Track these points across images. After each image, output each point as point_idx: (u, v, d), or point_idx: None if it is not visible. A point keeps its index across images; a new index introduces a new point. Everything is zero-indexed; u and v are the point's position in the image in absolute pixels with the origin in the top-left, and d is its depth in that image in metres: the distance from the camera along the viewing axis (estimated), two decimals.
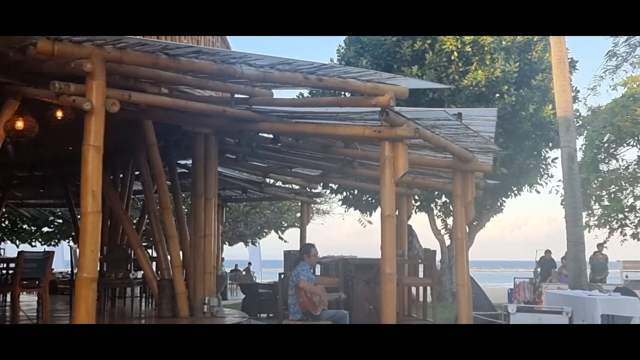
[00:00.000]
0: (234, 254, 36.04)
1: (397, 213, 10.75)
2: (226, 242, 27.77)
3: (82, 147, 5.82)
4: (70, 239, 23.16)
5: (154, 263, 11.11)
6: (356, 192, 18.73)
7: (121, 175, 13.40)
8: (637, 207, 24.39)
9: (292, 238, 27.12)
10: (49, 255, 9.16)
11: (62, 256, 24.88)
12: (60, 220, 24.81)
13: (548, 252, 19.23)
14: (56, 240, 26.04)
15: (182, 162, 12.80)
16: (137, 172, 12.84)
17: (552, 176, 18.85)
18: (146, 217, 12.88)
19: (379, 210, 7.32)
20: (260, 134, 10.70)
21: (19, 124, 8.66)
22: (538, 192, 19.03)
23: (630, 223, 24.60)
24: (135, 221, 14.85)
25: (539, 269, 18.55)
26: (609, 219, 24.38)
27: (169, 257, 10.30)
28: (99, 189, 5.77)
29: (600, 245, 19.44)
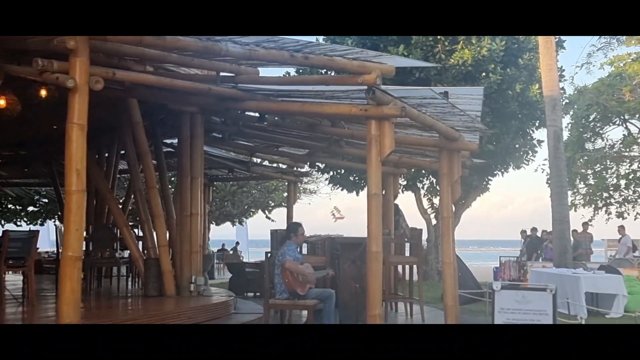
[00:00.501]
0: (221, 233, 36.05)
1: (383, 192, 10.78)
2: (213, 222, 27.74)
3: (66, 126, 5.77)
4: (56, 218, 23.04)
5: (140, 242, 11.08)
6: (343, 171, 18.70)
7: (106, 155, 13.31)
8: (622, 186, 24.58)
9: (279, 217, 27.14)
10: (34, 235, 9.11)
11: (47, 236, 24.78)
12: (46, 200, 24.67)
13: (534, 229, 19.36)
14: (42, 220, 25.90)
15: (168, 141, 12.73)
16: (122, 152, 12.78)
17: (536, 152, 18.88)
18: (132, 196, 12.84)
19: (365, 189, 7.34)
20: (246, 113, 10.65)
21: (1, 102, 8.56)
22: (526, 165, 19.06)
23: (615, 202, 24.79)
24: (121, 201, 14.79)
25: (524, 247, 18.70)
26: (594, 198, 24.56)
27: (155, 236, 10.28)
28: (83, 167, 5.73)
29: (585, 224, 19.58)
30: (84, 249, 10.50)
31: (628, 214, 24.77)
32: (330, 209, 26.45)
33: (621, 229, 18.81)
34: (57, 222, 20.08)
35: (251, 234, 35.13)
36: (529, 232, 19.47)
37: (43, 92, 8.36)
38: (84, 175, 5.75)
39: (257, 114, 10.02)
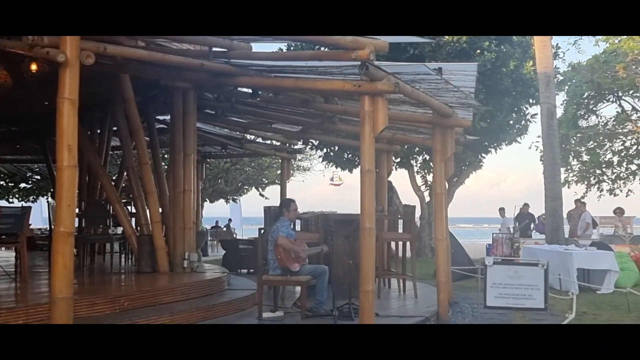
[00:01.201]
0: (215, 211, 36.04)
1: (377, 170, 10.78)
2: (206, 199, 27.74)
3: (56, 101, 5.72)
4: (49, 195, 22.99)
5: (133, 219, 11.06)
6: (337, 148, 18.69)
7: (99, 131, 13.26)
8: (615, 163, 24.65)
9: (272, 195, 27.18)
10: (27, 211, 9.08)
11: (40, 213, 24.75)
12: (38, 177, 24.62)
13: (526, 205, 19.41)
14: (34, 197, 25.87)
15: (161, 117, 12.68)
16: (114, 128, 12.71)
17: (529, 130, 18.89)
18: (125, 173, 12.79)
19: (359, 166, 7.32)
20: (239, 89, 10.60)
21: None
22: (519, 142, 19.07)
23: (608, 179, 24.87)
24: (114, 178, 14.75)
25: (517, 224, 18.76)
26: (587, 175, 24.63)
27: (148, 212, 10.27)
28: (74, 142, 5.70)
29: (578, 201, 19.63)
30: (76, 225, 10.54)
31: (620, 190, 24.90)
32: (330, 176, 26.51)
33: (581, 205, 18.98)
34: (50, 199, 20.04)
35: (245, 212, 35.19)
36: (519, 210, 19.51)
37: (33, 67, 8.27)
38: (76, 150, 5.72)
39: (250, 90, 9.97)
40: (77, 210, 10.99)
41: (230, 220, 31.03)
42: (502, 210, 20.82)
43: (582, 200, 20.98)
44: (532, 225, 18.82)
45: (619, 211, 18.89)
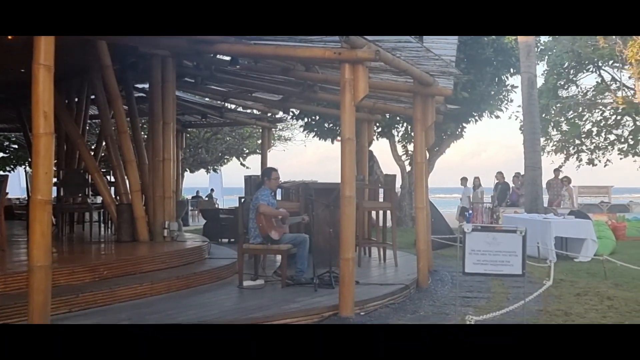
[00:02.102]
0: (195, 181, 35.96)
1: (358, 139, 10.76)
2: (187, 169, 27.61)
3: (32, 67, 5.62)
4: (27, 164, 22.78)
5: (113, 188, 10.99)
6: (317, 118, 18.64)
7: (76, 100, 13.09)
8: (594, 133, 24.83)
9: (253, 165, 27.10)
10: (3, 179, 8.96)
11: (19, 182, 24.54)
12: (16, 146, 24.36)
13: (500, 174, 19.55)
14: (12, 166, 25.62)
15: (140, 86, 12.53)
16: (92, 96, 12.56)
17: (511, 101, 18.94)
18: (103, 142, 12.67)
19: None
20: (218, 57, 10.49)
21: None
22: (498, 117, 19.13)
23: (587, 149, 25.08)
24: (93, 147, 14.62)
25: (495, 193, 18.95)
26: (566, 145, 24.81)
27: (127, 181, 10.19)
28: (50, 109, 5.60)
29: (557, 171, 19.80)
30: (54, 194, 10.44)
31: (599, 161, 25.14)
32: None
33: (499, 175, 19.29)
34: (28, 168, 19.87)
35: (225, 182, 35.06)
36: (497, 180, 19.68)
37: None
38: (52, 117, 5.63)
39: (229, 58, 9.87)
40: (55, 179, 10.97)
41: (212, 190, 30.95)
42: (464, 179, 20.85)
43: (561, 169, 21.17)
44: (508, 194, 19.01)
45: (565, 180, 19.10)
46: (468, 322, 5.00)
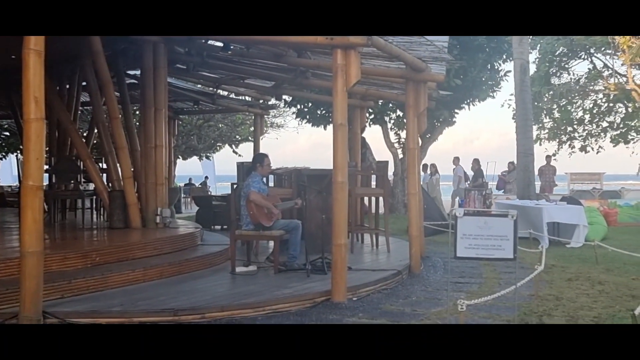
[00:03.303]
0: (188, 169, 35.87)
1: (350, 126, 10.76)
2: (179, 157, 27.55)
3: (22, 52, 5.59)
4: (18, 151, 22.69)
5: (105, 175, 10.96)
6: (310, 104, 18.61)
7: (67, 86, 13.03)
8: (586, 120, 24.88)
9: (246, 152, 27.05)
10: None
11: (10, 170, 24.46)
12: (7, 133, 24.23)
13: (475, 161, 19.76)
14: (4, 154, 25.51)
15: (131, 72, 12.48)
16: (84, 83, 12.50)
17: (502, 86, 18.93)
18: (95, 128, 12.62)
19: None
20: (210, 43, 10.44)
21: None
22: (492, 98, 19.12)
23: (579, 136, 25.14)
24: (85, 134, 14.56)
25: (470, 181, 19.31)
26: (559, 132, 24.86)
27: (119, 168, 10.17)
28: (41, 94, 5.58)
29: (549, 157, 19.88)
30: (46, 181, 10.40)
31: (592, 148, 25.20)
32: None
33: (456, 159, 19.51)
34: (20, 155, 19.78)
35: (218, 170, 35.01)
36: (475, 165, 19.91)
37: None
38: (43, 102, 5.60)
39: (221, 44, 9.83)
40: (47, 167, 10.94)
41: (206, 177, 30.91)
42: (424, 166, 20.89)
43: (554, 157, 21.24)
44: (481, 180, 19.26)
45: (512, 166, 19.40)
46: (460, 307, 5.02)
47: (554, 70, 24.39)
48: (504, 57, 18.17)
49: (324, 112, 18.66)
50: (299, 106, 18.99)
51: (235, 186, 9.51)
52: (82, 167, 11.23)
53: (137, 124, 11.76)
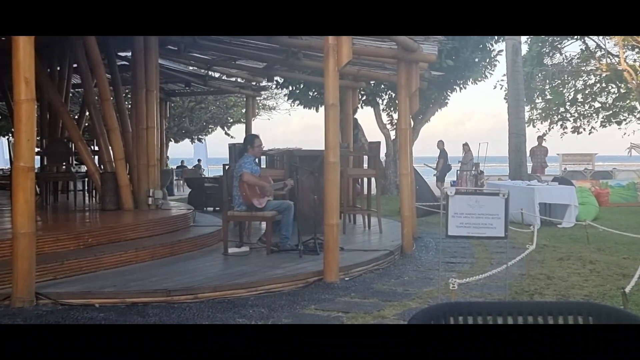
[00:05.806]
0: (180, 151, 35.78)
1: (342, 107, 10.73)
2: (171, 139, 27.47)
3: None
4: (10, 134, 22.58)
5: (96, 156, 10.93)
6: (302, 86, 18.54)
7: (58, 68, 12.94)
8: (578, 101, 24.91)
9: (238, 134, 27.00)
10: None
11: (2, 153, 24.36)
12: None
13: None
14: None
15: (122, 54, 12.40)
16: (75, 65, 12.42)
17: (495, 66, 18.92)
18: (86, 110, 12.57)
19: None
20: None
21: None
22: (485, 79, 19.11)
23: (571, 117, 25.17)
24: (76, 117, 14.49)
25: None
26: (551, 113, 24.89)
27: (111, 150, 10.14)
28: (32, 75, 5.56)
29: (540, 138, 19.89)
30: (38, 164, 10.37)
31: (584, 129, 25.26)
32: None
33: (440, 143, 19.77)
34: (11, 138, 19.68)
35: (210, 152, 34.93)
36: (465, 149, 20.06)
37: None
38: (33, 84, 5.58)
39: None
40: (38, 149, 10.89)
41: (199, 160, 30.83)
42: (465, 145, 21.01)
43: (545, 137, 21.26)
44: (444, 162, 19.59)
45: (467, 147, 19.62)
46: (451, 286, 5.04)
47: (547, 51, 24.37)
48: (496, 37, 18.12)
49: (315, 94, 18.60)
50: (290, 88, 18.92)
51: (227, 167, 9.49)
52: (73, 149, 11.19)
53: (129, 105, 11.72)
